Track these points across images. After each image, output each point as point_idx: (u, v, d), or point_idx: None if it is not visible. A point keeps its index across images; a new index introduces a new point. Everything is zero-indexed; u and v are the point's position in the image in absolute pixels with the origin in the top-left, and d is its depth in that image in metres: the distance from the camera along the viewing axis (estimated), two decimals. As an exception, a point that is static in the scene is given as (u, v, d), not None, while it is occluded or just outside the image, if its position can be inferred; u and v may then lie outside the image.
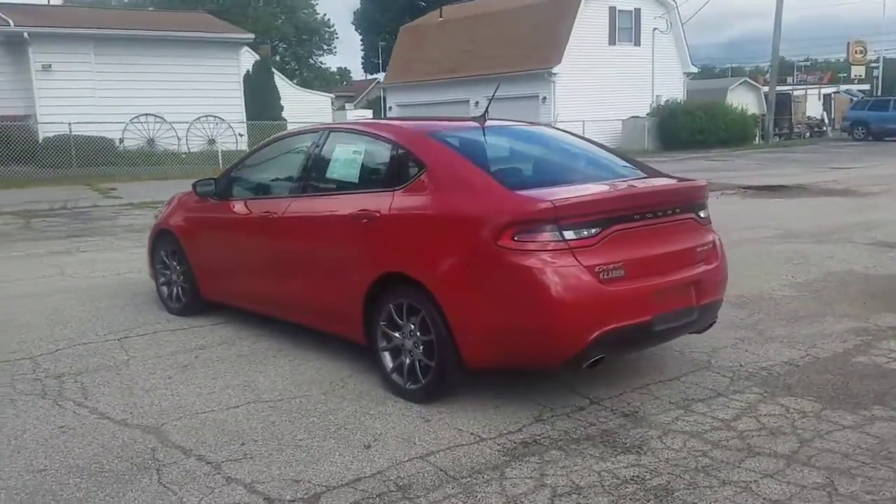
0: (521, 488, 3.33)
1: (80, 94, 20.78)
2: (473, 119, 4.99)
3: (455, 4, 38.83)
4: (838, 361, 4.97)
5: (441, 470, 3.49)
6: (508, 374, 4.50)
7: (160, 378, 4.74)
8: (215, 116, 23.21)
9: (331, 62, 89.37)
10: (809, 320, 5.92)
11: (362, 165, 4.80)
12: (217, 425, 4.00)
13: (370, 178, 4.74)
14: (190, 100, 22.33)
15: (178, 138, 22.33)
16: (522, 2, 33.21)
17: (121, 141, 21.40)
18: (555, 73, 31.34)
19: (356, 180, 4.80)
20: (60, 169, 19.35)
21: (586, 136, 5.56)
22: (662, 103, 33.44)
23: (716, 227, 4.78)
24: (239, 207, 5.57)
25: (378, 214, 4.43)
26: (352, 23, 67.59)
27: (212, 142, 23.08)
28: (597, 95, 32.12)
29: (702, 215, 4.56)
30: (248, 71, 24.97)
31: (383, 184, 4.59)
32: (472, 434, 3.89)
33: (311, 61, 79.39)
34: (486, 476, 3.44)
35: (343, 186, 4.88)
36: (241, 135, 23.55)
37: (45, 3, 25.55)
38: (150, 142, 22.18)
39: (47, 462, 3.59)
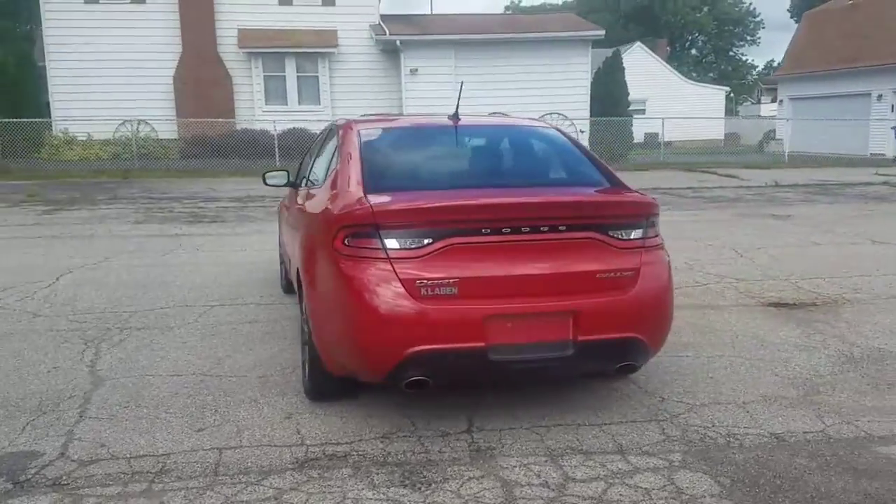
0: (255, 495, 3.30)
1: (440, 95, 22.90)
2: (449, 116, 4.77)
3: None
4: (847, 447, 3.76)
5: (218, 464, 3.56)
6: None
7: (179, 342, 5.45)
8: (559, 114, 23.86)
9: (755, 53, 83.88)
10: (910, 390, 4.45)
11: (329, 161, 4.95)
12: (140, 389, 4.52)
13: (325, 173, 4.87)
14: (537, 98, 23.30)
15: (522, 134, 23.44)
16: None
17: (470, 136, 23.26)
18: (983, 61, 25.67)
19: (324, 174, 4.97)
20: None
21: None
22: None
23: None
24: (292, 196, 6.06)
25: (304, 211, 4.57)
26: (787, 10, 62.79)
27: (554, 138, 23.83)
28: None
29: (623, 235, 3.81)
30: (599, 67, 25.12)
31: (323, 179, 4.69)
32: (300, 436, 3.87)
33: (731, 53, 75.81)
34: (246, 479, 3.44)
35: (319, 181, 5.08)
36: (581, 132, 23.88)
37: (429, 10, 28.65)
38: (497, 137, 23.71)
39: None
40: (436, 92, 22.92)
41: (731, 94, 60.72)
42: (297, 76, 23.27)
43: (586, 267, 3.71)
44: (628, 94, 24.89)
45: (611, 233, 3.78)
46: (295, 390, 4.49)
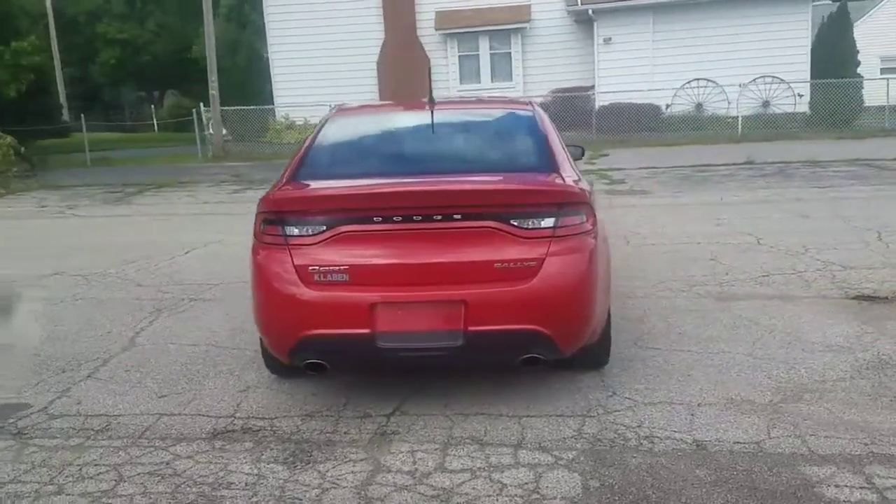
0: (153, 458, 3.64)
1: (635, 65, 22.18)
2: (426, 101, 4.76)
3: None
4: (769, 463, 3.39)
5: (148, 429, 3.95)
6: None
7: (223, 314, 5.93)
8: (773, 77, 21.96)
9: None
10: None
11: None
12: (153, 356, 5.04)
13: None
14: (745, 61, 21.64)
15: (728, 102, 21.90)
16: None
17: (668, 107, 22.13)
18: None
19: None
20: (608, 134, 21.27)
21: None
22: None
23: None
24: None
25: None
26: None
27: (766, 104, 21.98)
28: None
29: (529, 225, 3.64)
30: (822, 23, 22.60)
31: None
32: (236, 409, 4.16)
33: None
34: (159, 443, 3.78)
35: None
36: (800, 95, 21.83)
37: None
38: (699, 106, 22.31)
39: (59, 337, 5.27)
40: (631, 61, 22.20)
41: None
42: (491, 54, 23.56)
43: (481, 256, 3.61)
44: (857, 52, 22.18)
45: (513, 222, 3.62)
46: (279, 366, 4.77)
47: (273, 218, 3.80)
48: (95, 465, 3.60)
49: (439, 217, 3.62)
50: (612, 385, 4.23)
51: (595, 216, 3.89)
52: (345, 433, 3.83)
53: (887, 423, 3.62)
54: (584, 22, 22.96)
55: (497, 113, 4.91)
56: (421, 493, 3.22)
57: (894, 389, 4.01)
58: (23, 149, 18.94)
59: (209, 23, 20.87)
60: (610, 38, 22.44)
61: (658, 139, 20.23)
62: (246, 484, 3.37)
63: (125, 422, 4.07)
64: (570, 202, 3.73)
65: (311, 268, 3.68)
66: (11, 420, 4.14)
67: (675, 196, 11.64)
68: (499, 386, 4.26)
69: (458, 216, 3.62)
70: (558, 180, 3.85)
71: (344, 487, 3.30)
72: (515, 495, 3.16)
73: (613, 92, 21.55)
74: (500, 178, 3.95)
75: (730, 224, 8.95)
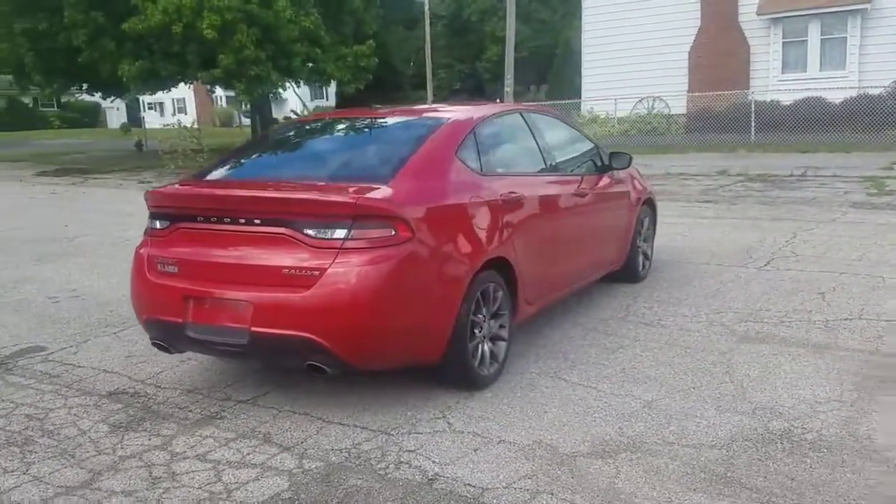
0: (50, 404, 4.39)
1: None
2: (369, 107, 4.82)
3: None
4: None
5: (82, 380, 4.73)
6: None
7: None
8: None
9: None
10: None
11: None
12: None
13: None
14: None
15: None
16: None
17: None
18: None
19: None
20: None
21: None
22: None
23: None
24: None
25: None
26: None
27: None
28: None
29: (319, 235, 3.68)
30: None
31: None
32: (155, 376, 4.76)
33: None
34: (68, 391, 4.55)
35: None
36: None
37: None
38: None
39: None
40: None
41: None
42: (821, 39, 20.92)
43: (271, 261, 3.75)
44: None
45: (307, 231, 3.67)
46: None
47: (149, 214, 4.30)
48: (11, 401, 4.46)
49: (243, 221, 3.79)
50: (459, 409, 4.01)
51: (415, 230, 3.69)
52: (189, 411, 4.20)
53: (641, 500, 2.92)
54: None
55: (403, 121, 4.78)
56: (150, 472, 3.49)
57: (735, 471, 3.23)
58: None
59: (511, 16, 21.72)
60: None
61: None
62: (65, 436, 3.94)
63: (77, 372, 4.90)
64: (366, 215, 3.62)
65: (156, 259, 4.13)
66: (19, 359, 5.22)
67: (932, 215, 9.45)
68: (368, 392, 4.26)
69: (258, 221, 3.76)
70: (358, 192, 3.70)
71: (115, 455, 3.68)
72: (212, 490, 3.31)
73: None
74: (307, 187, 3.93)
75: (932, 254, 7.14)
